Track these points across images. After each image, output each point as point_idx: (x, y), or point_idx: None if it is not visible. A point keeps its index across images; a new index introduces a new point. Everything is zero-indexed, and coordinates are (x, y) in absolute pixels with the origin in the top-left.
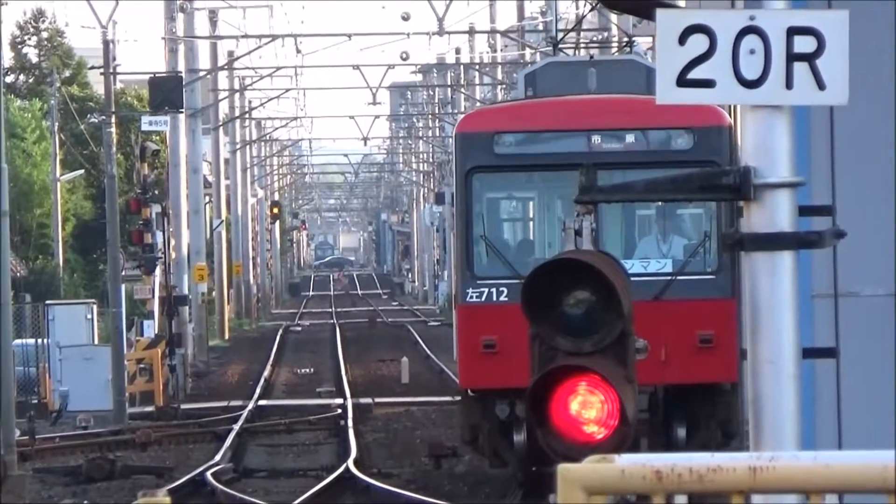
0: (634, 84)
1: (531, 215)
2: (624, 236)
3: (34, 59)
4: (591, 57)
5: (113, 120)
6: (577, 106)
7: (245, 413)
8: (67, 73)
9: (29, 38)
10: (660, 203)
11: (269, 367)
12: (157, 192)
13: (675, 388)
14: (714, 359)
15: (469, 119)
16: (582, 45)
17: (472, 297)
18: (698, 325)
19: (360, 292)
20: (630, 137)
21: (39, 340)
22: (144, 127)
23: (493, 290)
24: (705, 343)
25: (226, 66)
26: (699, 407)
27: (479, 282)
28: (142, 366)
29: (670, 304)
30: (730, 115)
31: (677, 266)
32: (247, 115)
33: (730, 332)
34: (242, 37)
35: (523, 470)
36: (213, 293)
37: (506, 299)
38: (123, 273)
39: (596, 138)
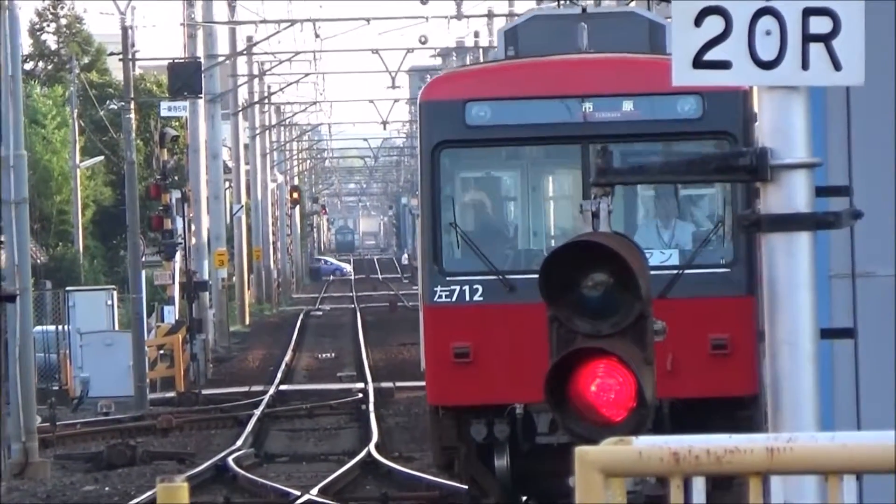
0: (635, 41)
1: (512, 198)
2: (622, 222)
3: (53, 46)
4: (584, 9)
5: (132, 106)
6: (565, 67)
7: (266, 398)
8: (86, 60)
9: (48, 25)
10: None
11: (289, 352)
12: (176, 177)
13: (683, 402)
14: (729, 368)
15: (436, 84)
16: None
17: (440, 296)
18: (710, 327)
19: (380, 276)
20: (628, 104)
21: (60, 327)
22: (164, 113)
23: (467, 288)
24: (718, 349)
25: (245, 52)
26: (713, 425)
27: (449, 278)
28: (162, 352)
29: (676, 302)
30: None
31: (685, 258)
32: (266, 100)
33: (748, 336)
34: (261, 22)
35: (506, 499)
36: (234, 278)
37: (481, 299)
38: (143, 259)
39: (588, 106)
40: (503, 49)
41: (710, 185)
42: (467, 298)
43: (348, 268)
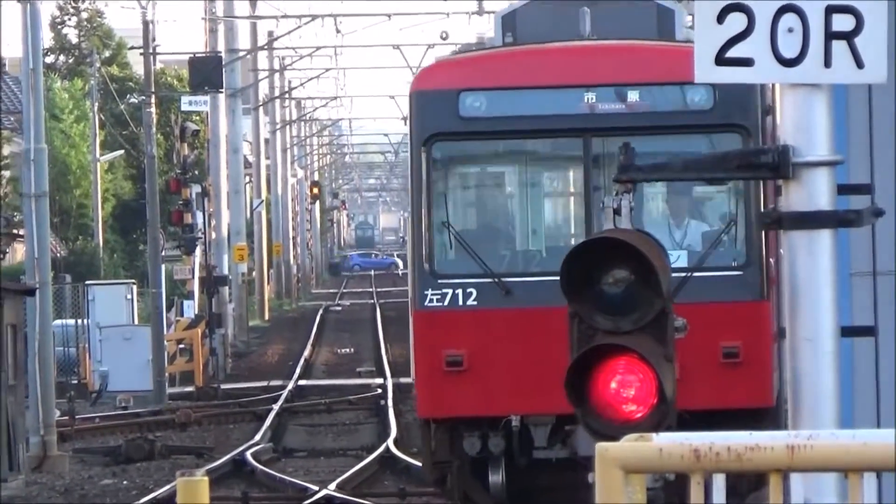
0: (642, 27)
1: (509, 196)
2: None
3: (74, 40)
4: None
5: (153, 100)
6: (567, 55)
7: (285, 393)
8: (107, 54)
9: (69, 19)
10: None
11: (308, 347)
12: (196, 172)
13: (692, 415)
14: (742, 378)
15: (428, 73)
16: None
17: (432, 300)
18: (721, 334)
19: (400, 272)
20: (634, 95)
21: (79, 321)
22: (184, 107)
23: (460, 291)
24: (730, 357)
25: (266, 47)
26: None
27: (441, 281)
28: (182, 346)
29: (685, 308)
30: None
31: (694, 259)
32: (287, 95)
33: (762, 344)
34: (282, 17)
35: None
36: (253, 273)
37: (475, 303)
38: (163, 253)
39: (590, 96)
40: (500, 35)
41: (723, 182)
42: (460, 303)
43: (400, 261)
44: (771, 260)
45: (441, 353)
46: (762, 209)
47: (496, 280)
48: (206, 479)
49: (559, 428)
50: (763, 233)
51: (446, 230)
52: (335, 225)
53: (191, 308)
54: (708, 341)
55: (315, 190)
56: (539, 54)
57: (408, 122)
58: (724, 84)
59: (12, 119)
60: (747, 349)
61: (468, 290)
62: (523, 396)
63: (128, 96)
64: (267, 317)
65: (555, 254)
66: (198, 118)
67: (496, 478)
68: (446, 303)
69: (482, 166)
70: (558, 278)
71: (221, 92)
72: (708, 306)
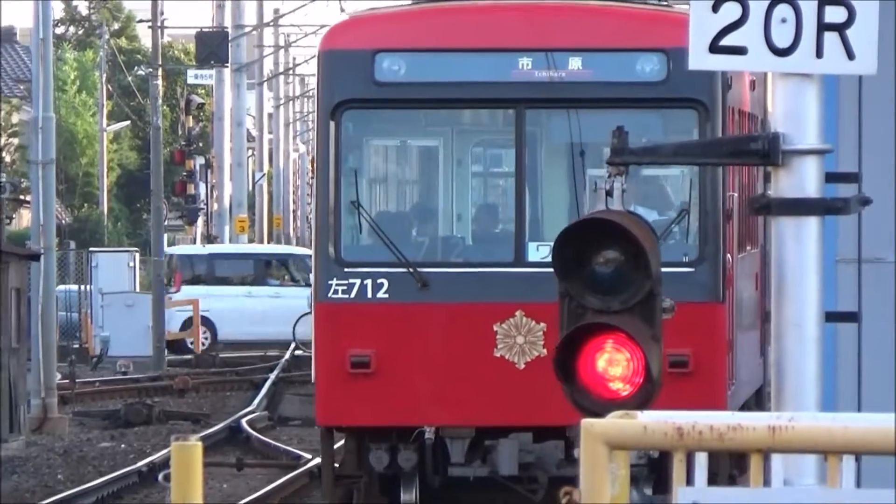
0: None
1: (431, 173)
2: (568, 208)
3: (84, 12)
4: None
5: (160, 73)
6: (500, 14)
7: (281, 362)
8: (116, 27)
9: None
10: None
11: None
12: (200, 144)
13: None
14: (691, 391)
15: (339, 31)
16: None
17: (336, 291)
18: (668, 341)
19: None
20: (576, 62)
21: (82, 287)
22: (190, 80)
23: (369, 282)
24: (678, 367)
25: (271, 23)
26: (661, 480)
27: (348, 270)
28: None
29: None
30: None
31: None
32: (291, 72)
33: (715, 352)
34: None
35: None
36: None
37: (386, 296)
38: (166, 223)
39: (525, 62)
40: None
41: (675, 166)
42: (369, 295)
43: None
44: (729, 256)
45: (345, 352)
46: (720, 199)
47: (411, 270)
48: (199, 444)
49: (479, 443)
50: (720, 226)
51: (356, 211)
52: None
53: None
54: None
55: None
56: (469, 12)
57: (315, 86)
58: (678, 51)
59: (21, 88)
60: (698, 358)
61: (379, 281)
62: (439, 405)
63: (135, 68)
64: None
65: (481, 242)
66: (203, 91)
67: (409, 497)
68: (353, 295)
69: (399, 139)
70: (484, 270)
71: (227, 66)
72: None
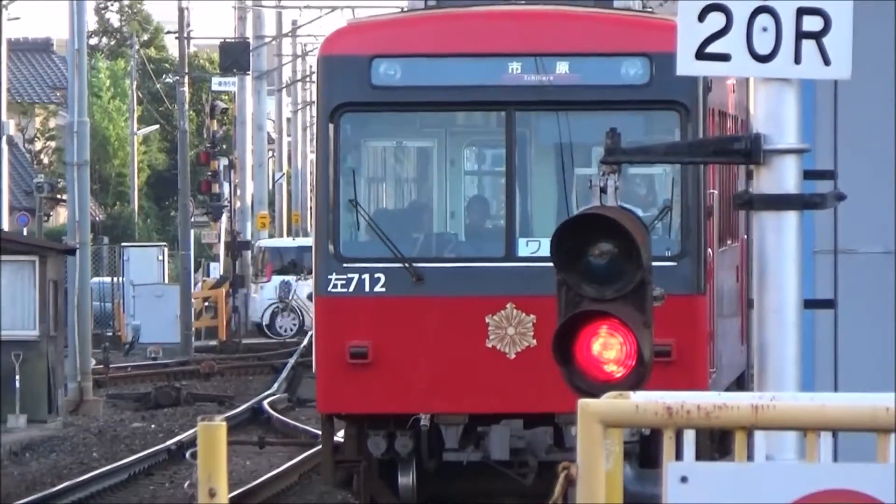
0: None
1: (425, 173)
2: (556, 206)
3: (116, 24)
4: None
5: (186, 80)
6: (490, 21)
7: (300, 348)
8: (146, 37)
9: (111, 5)
10: (599, 158)
11: None
12: (224, 146)
13: None
14: (673, 380)
15: (337, 38)
16: None
17: (336, 285)
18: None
19: None
20: (563, 66)
21: (115, 279)
22: (214, 87)
23: (367, 276)
24: (661, 357)
25: (290, 33)
26: (655, 449)
27: (346, 265)
28: (207, 304)
29: None
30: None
31: None
32: (308, 79)
33: (697, 342)
34: (305, 7)
35: None
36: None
37: (383, 290)
38: (192, 219)
39: (515, 66)
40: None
41: (660, 165)
42: (367, 289)
43: None
44: (710, 251)
45: (344, 343)
46: (701, 196)
47: (407, 265)
48: (224, 424)
49: (472, 429)
50: (701, 222)
51: (354, 209)
52: None
53: (216, 269)
54: None
55: None
56: (460, 19)
57: (315, 89)
58: (661, 56)
59: (58, 94)
60: (680, 348)
61: (376, 276)
62: (434, 394)
63: (163, 76)
64: None
65: (473, 238)
66: (226, 97)
67: (406, 480)
68: (351, 289)
69: (395, 140)
70: (476, 265)
71: (248, 74)
72: None
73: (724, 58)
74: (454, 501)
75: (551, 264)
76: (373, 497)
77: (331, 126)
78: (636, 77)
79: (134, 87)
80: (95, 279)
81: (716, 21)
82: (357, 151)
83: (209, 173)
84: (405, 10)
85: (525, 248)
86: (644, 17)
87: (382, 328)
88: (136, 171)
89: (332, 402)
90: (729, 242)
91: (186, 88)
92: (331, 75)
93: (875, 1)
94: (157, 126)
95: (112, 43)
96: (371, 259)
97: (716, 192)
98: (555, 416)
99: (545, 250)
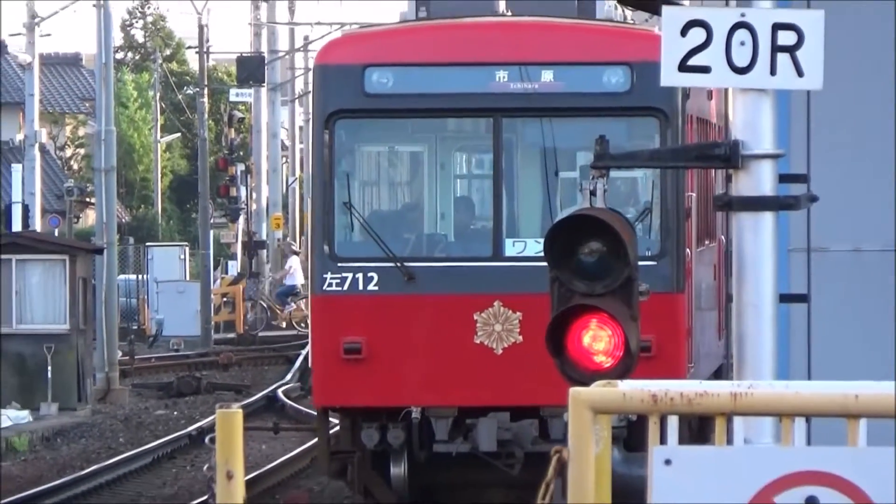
0: (561, 9)
1: (416, 177)
2: (542, 208)
3: (140, 40)
4: None
5: (206, 92)
6: (478, 31)
7: None
8: (168, 52)
9: (136, 22)
10: (583, 163)
11: None
12: (241, 153)
13: None
14: (654, 374)
15: (332, 47)
16: None
17: (331, 284)
18: None
19: None
20: (548, 74)
21: (140, 276)
22: (232, 98)
23: (360, 275)
24: (642, 352)
25: (302, 48)
26: (638, 440)
27: (341, 265)
28: (226, 299)
29: None
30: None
31: None
32: None
33: (676, 338)
34: (316, 24)
35: None
36: (287, 239)
37: (376, 289)
38: (212, 221)
39: (501, 75)
40: (414, 9)
41: (640, 169)
42: (360, 287)
43: None
44: (688, 251)
45: (339, 339)
46: (680, 199)
47: (398, 265)
48: (240, 411)
49: (461, 421)
50: (680, 223)
51: (348, 212)
52: None
53: (234, 267)
54: None
55: None
56: (449, 29)
57: (311, 97)
58: (642, 64)
59: (87, 105)
60: (660, 343)
61: (369, 275)
62: (424, 387)
63: (184, 88)
64: None
65: (462, 238)
66: (243, 108)
67: (398, 471)
68: (346, 287)
69: (388, 146)
70: (465, 264)
71: (263, 86)
72: None
73: (705, 70)
74: (444, 491)
75: (537, 264)
76: (366, 486)
77: (326, 132)
78: (618, 85)
79: (157, 98)
80: (122, 277)
81: (697, 36)
82: (351, 156)
83: (227, 178)
84: (399, 21)
85: (512, 248)
86: (625, 28)
87: (375, 325)
88: (159, 176)
89: (328, 395)
90: (707, 243)
91: (206, 99)
92: (326, 83)
93: (842, 2)
94: (179, 134)
95: (137, 57)
96: (365, 259)
97: (694, 194)
98: (540, 408)
99: (531, 250)
